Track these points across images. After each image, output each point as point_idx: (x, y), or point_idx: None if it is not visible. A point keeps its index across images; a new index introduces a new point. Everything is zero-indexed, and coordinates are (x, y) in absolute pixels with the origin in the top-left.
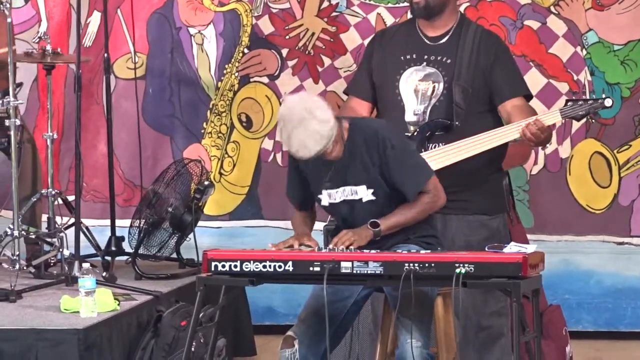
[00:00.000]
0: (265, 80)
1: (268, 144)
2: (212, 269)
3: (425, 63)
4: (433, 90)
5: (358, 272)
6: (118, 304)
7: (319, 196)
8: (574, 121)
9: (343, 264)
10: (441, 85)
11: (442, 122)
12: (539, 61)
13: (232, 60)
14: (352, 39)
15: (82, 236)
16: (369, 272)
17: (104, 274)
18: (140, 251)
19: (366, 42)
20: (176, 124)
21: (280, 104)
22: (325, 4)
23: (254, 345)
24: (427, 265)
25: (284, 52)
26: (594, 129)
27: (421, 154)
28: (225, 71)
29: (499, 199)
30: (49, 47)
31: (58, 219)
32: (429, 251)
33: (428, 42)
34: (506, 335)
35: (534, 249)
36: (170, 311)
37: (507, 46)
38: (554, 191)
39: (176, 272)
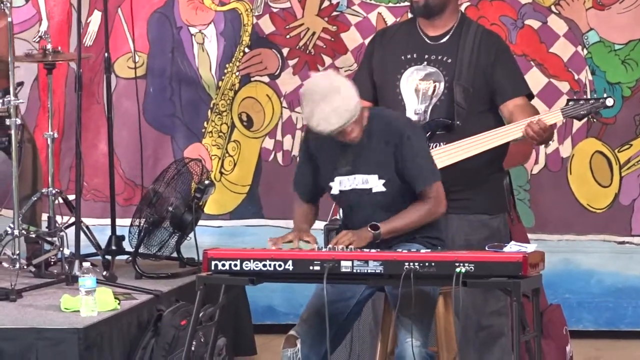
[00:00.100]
0: (266, 79)
1: (269, 144)
2: (212, 268)
3: (425, 62)
4: (434, 90)
5: (358, 271)
6: (118, 303)
7: (330, 184)
8: (575, 120)
9: (343, 263)
10: (442, 84)
11: (443, 122)
12: (539, 61)
13: (233, 59)
14: (352, 38)
15: (82, 235)
16: (369, 271)
17: (104, 273)
18: (141, 250)
19: (367, 41)
20: (177, 124)
21: (280, 103)
22: (326, 3)
23: (254, 344)
24: (427, 264)
25: (285, 51)
26: (595, 128)
27: None
28: (226, 70)
29: (500, 198)
30: (49, 47)
31: (58, 218)
32: (429, 250)
33: (429, 41)
34: (506, 335)
35: (534, 248)
36: (171, 310)
37: (508, 46)
38: (555, 190)
39: (176, 271)
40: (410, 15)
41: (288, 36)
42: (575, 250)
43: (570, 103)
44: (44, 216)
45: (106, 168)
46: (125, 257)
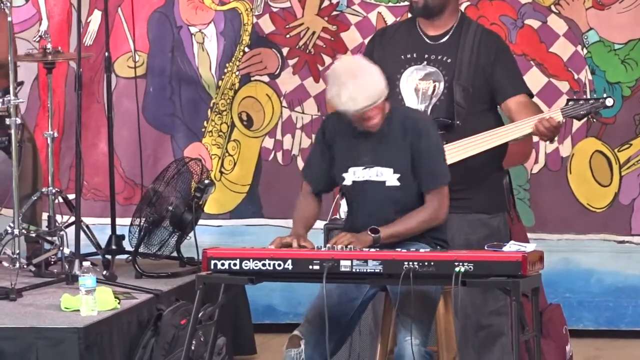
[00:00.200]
0: (266, 79)
1: (269, 143)
2: (212, 267)
3: (425, 62)
4: (434, 90)
5: (357, 270)
6: (118, 303)
7: (344, 174)
8: (574, 120)
9: (342, 262)
10: (442, 84)
11: (443, 121)
12: (539, 60)
13: (233, 59)
14: (352, 38)
15: (82, 235)
16: (368, 270)
17: (104, 272)
18: (141, 250)
19: (367, 41)
20: (177, 123)
21: (280, 103)
22: (326, 3)
23: (254, 343)
24: (426, 264)
25: (285, 51)
26: (595, 128)
27: None
28: (225, 70)
29: (500, 197)
30: (49, 46)
31: (58, 217)
32: (428, 249)
33: (428, 41)
34: (506, 334)
35: (534, 247)
36: (171, 310)
37: (508, 45)
38: (555, 190)
39: (176, 270)
40: (410, 15)
41: (288, 36)
42: (575, 250)
43: (570, 103)
44: (44, 215)
45: (106, 167)
46: (125, 256)
